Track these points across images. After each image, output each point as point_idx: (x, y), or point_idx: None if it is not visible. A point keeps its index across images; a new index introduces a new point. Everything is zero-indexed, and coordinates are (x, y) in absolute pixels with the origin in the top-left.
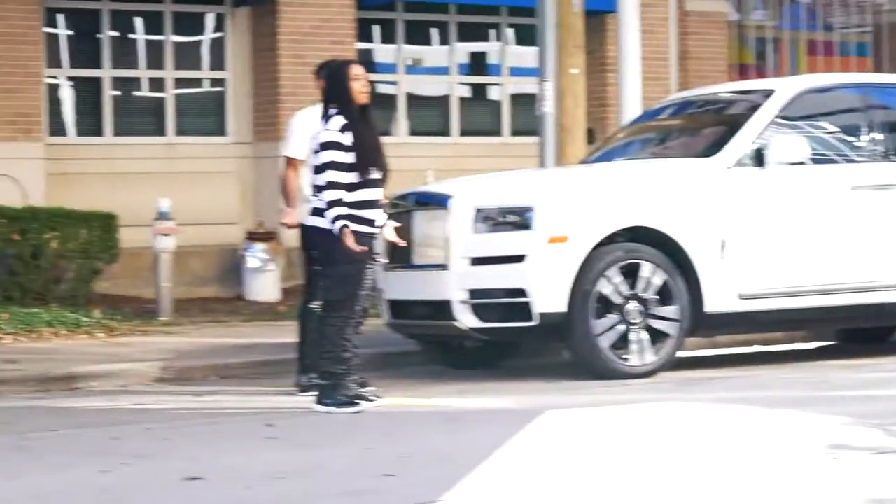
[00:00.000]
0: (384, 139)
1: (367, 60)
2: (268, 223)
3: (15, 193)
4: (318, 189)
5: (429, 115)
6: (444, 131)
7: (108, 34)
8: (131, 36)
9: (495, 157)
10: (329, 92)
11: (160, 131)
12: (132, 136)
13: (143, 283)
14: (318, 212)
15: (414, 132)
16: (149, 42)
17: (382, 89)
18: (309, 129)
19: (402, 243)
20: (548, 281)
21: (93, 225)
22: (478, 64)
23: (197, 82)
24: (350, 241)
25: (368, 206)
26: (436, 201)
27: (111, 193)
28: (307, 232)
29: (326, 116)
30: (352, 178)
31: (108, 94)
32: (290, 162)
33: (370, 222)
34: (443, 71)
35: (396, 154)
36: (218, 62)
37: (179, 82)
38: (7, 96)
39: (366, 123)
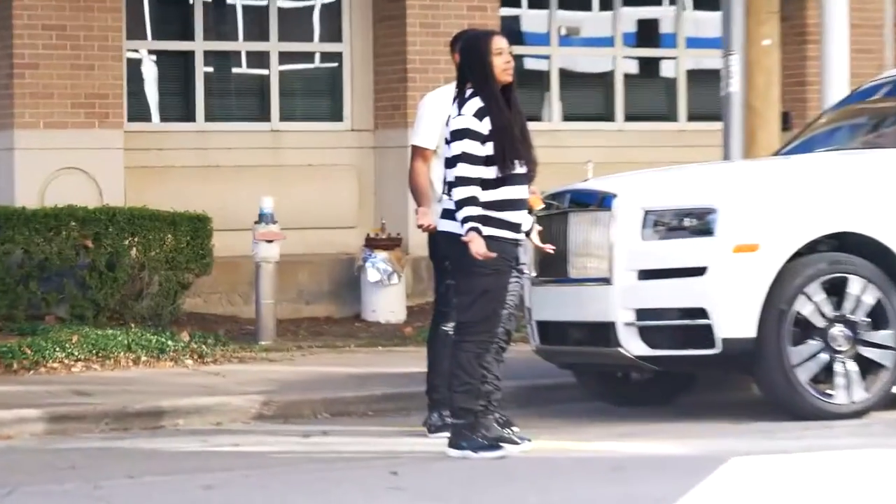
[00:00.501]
0: (531, 126)
1: (512, 29)
2: (391, 227)
3: (88, 191)
4: (450, 186)
5: (587, 96)
6: (607, 116)
7: None
8: (229, 0)
9: (669, 148)
10: (464, 68)
11: (262, 116)
12: (229, 121)
13: (240, 300)
14: (449, 214)
15: (569, 117)
16: (249, 8)
17: (530, 65)
18: (442, 113)
19: (552, 250)
20: (733, 299)
21: (181, 229)
22: (647, 33)
23: (307, 57)
24: (478, 247)
25: (511, 206)
26: (596, 201)
27: (203, 191)
28: (437, 238)
29: (461, 99)
30: (490, 173)
31: (201, 70)
32: (420, 152)
33: (513, 226)
34: (605, 42)
35: (547, 144)
36: (332, 32)
37: (286, 57)
38: (80, 74)
39: (508, 107)
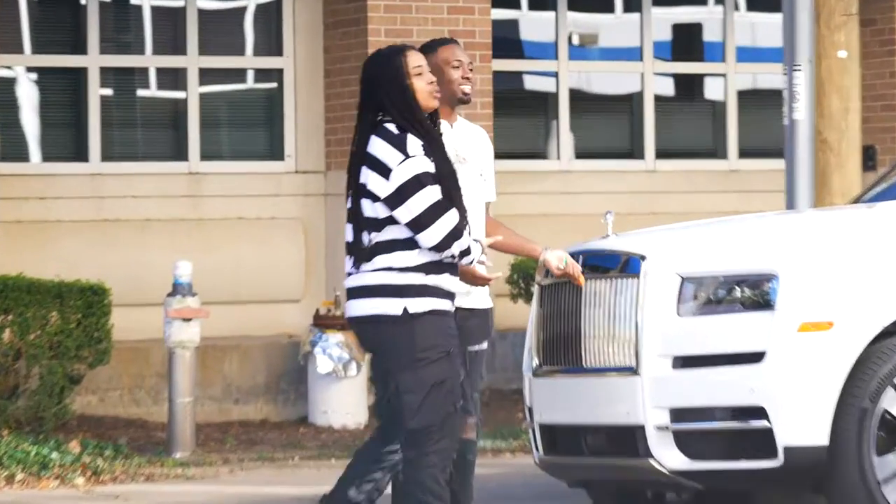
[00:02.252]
0: (533, 165)
1: (507, 37)
2: None
3: None
4: (372, 253)
5: (607, 125)
6: (633, 152)
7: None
8: (133, 1)
9: (714, 194)
10: (369, 95)
11: (178, 154)
12: (133, 161)
13: (148, 398)
14: (366, 292)
15: (583, 154)
16: (160, 11)
17: (532, 84)
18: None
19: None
20: (799, 394)
21: (70, 304)
22: (687, 42)
23: (237, 75)
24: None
25: (450, 269)
26: (618, 265)
27: (99, 253)
28: (355, 328)
29: (387, 134)
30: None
31: (96, 94)
32: None
33: (453, 296)
34: (630, 54)
35: (554, 189)
36: (270, 43)
37: (208, 75)
38: None
39: (442, 144)
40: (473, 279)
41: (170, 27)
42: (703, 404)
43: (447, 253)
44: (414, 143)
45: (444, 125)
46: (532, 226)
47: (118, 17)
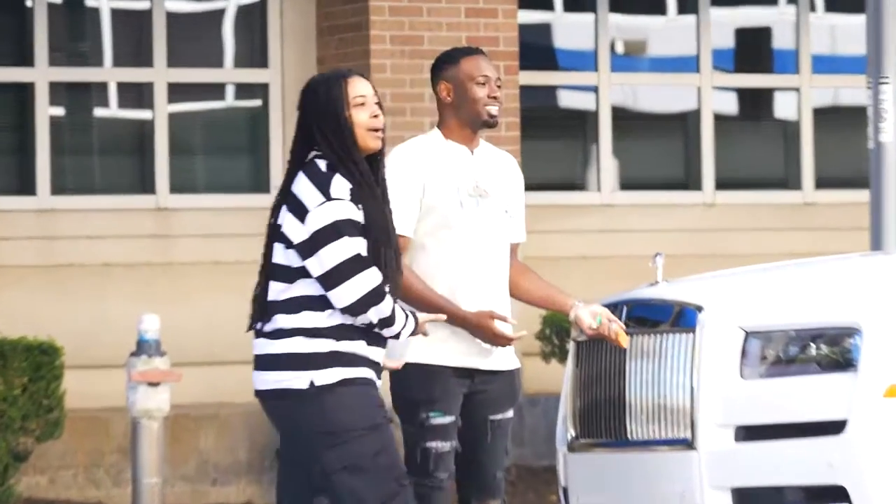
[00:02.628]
0: (568, 197)
1: (537, 44)
2: None
3: None
4: (277, 310)
5: (657, 149)
6: (687, 182)
7: (44, 1)
8: (89, 3)
9: (785, 231)
10: (306, 128)
11: (142, 186)
12: (89, 195)
13: (108, 478)
14: (273, 362)
15: (628, 184)
16: (121, 15)
17: (567, 101)
18: (420, 177)
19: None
20: (887, 471)
21: (13, 366)
22: (751, 50)
23: (213, 91)
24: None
25: (374, 338)
26: (670, 318)
27: (48, 304)
28: (262, 405)
29: (314, 173)
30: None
31: (45, 114)
32: None
33: (377, 365)
34: (685, 64)
35: (594, 226)
36: (253, 52)
37: (179, 92)
38: None
39: (377, 192)
40: (494, 338)
41: (133, 34)
42: (772, 483)
43: (362, 318)
44: (340, 184)
45: (460, 151)
46: (567, 271)
47: (71, 23)
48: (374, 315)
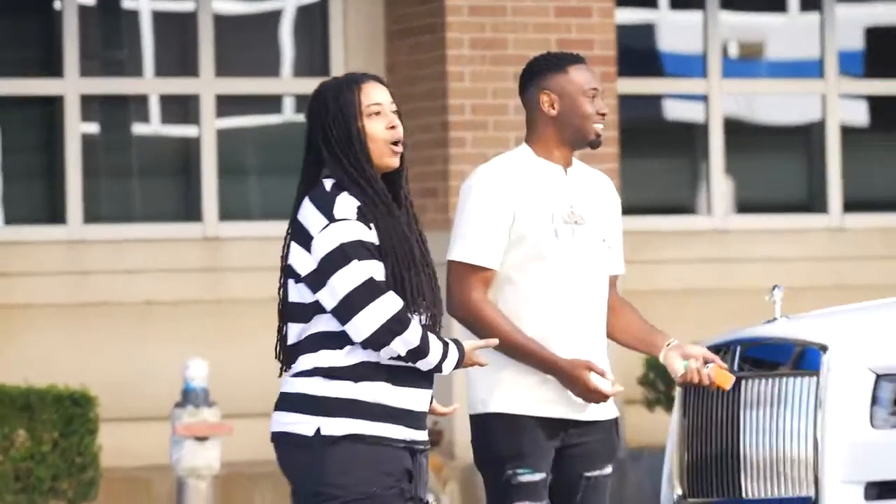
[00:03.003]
0: (672, 222)
1: (636, 47)
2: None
3: None
4: (294, 353)
5: (776, 167)
6: (810, 202)
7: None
8: (126, 5)
9: None
10: (315, 141)
11: (188, 212)
12: (126, 223)
13: None
14: (284, 402)
15: (745, 207)
16: (163, 18)
17: (673, 112)
18: (509, 201)
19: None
20: None
21: (41, 418)
22: (884, 51)
23: (267, 104)
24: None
25: (404, 379)
26: (790, 359)
27: (81, 349)
28: (275, 449)
29: (319, 195)
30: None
31: (76, 131)
32: (469, 275)
33: (406, 416)
34: (808, 69)
35: (704, 255)
36: (313, 60)
37: (229, 104)
38: None
39: (399, 210)
40: (587, 393)
41: (176, 40)
42: None
43: (387, 352)
44: (345, 203)
45: (554, 171)
46: (673, 306)
47: (105, 27)
48: (399, 346)
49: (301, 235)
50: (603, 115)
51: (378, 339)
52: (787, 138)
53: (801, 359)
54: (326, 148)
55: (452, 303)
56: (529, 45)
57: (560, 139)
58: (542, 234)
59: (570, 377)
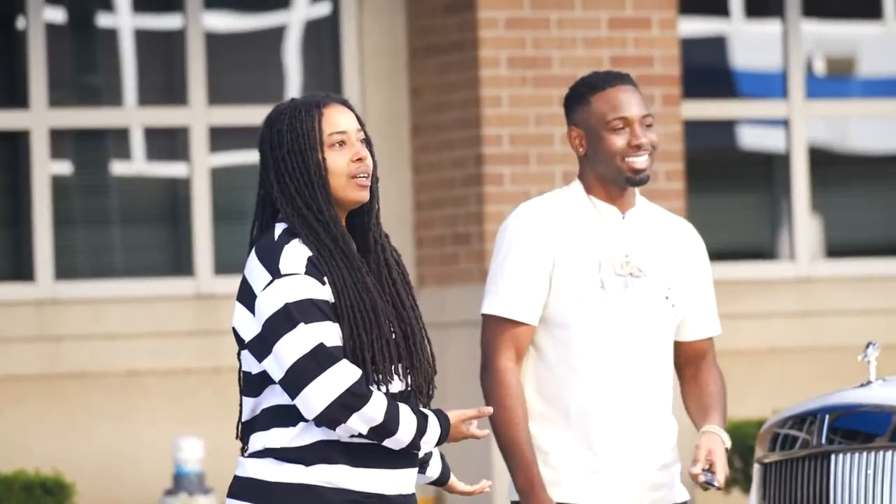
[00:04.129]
0: (754, 269)
1: (705, 64)
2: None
3: None
4: (249, 429)
5: (871, 204)
6: None
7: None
8: (102, 24)
9: None
10: (268, 176)
11: (178, 266)
12: (105, 278)
13: None
14: (235, 488)
15: (835, 249)
16: (144, 37)
17: (748, 140)
18: (551, 247)
19: (488, 486)
20: None
21: None
22: None
23: (256, 136)
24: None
25: (372, 459)
26: (887, 430)
27: (54, 427)
28: None
29: (269, 244)
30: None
31: (43, 170)
32: (502, 331)
33: (373, 501)
34: None
35: (781, 307)
36: (323, 82)
37: (224, 138)
38: None
39: (367, 258)
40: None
41: (162, 63)
42: None
43: (344, 430)
44: (293, 254)
45: (608, 213)
46: (751, 367)
47: (78, 50)
48: (358, 424)
49: (245, 294)
50: (638, 146)
51: (332, 416)
52: (884, 169)
53: None
54: (279, 184)
55: (482, 365)
56: (578, 64)
57: (599, 179)
58: (585, 286)
59: None
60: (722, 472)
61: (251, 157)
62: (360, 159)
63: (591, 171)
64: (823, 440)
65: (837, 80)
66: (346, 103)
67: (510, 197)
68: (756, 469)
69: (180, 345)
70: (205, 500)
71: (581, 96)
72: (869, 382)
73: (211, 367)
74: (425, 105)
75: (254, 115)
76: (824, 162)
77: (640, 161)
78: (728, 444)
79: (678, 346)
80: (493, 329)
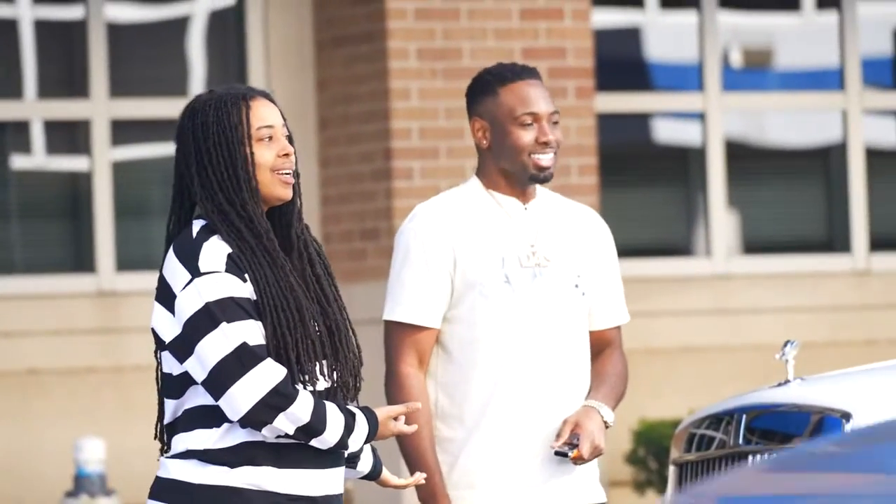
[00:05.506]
0: (669, 265)
1: (618, 56)
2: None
3: None
4: (171, 431)
5: (787, 198)
6: (829, 241)
7: None
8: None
9: None
10: (184, 170)
11: (77, 262)
12: (3, 275)
13: None
14: (157, 490)
15: (751, 245)
16: (45, 29)
17: (662, 132)
18: (451, 246)
19: (422, 479)
20: None
21: None
22: None
23: (173, 130)
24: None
25: (294, 459)
26: (805, 429)
27: None
28: None
29: (186, 241)
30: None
31: None
32: (405, 337)
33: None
34: (823, 80)
35: (697, 305)
36: (227, 75)
37: (125, 131)
38: None
39: (290, 255)
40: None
41: (62, 54)
42: None
43: (270, 431)
44: (213, 251)
45: (509, 206)
46: (666, 366)
47: None
48: (285, 424)
49: (164, 294)
50: (545, 142)
51: (257, 417)
52: (802, 164)
53: (820, 429)
54: (200, 178)
55: (386, 371)
56: (489, 55)
57: (502, 175)
58: (489, 283)
59: None
60: (587, 444)
61: (154, 150)
62: (286, 155)
63: (493, 164)
64: (740, 440)
65: (754, 72)
66: (270, 97)
67: (419, 192)
68: (672, 470)
69: (81, 343)
70: (106, 502)
71: (488, 86)
72: (787, 382)
73: (113, 365)
74: (333, 98)
75: (157, 108)
76: (741, 156)
77: (545, 158)
78: (608, 418)
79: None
80: (395, 335)
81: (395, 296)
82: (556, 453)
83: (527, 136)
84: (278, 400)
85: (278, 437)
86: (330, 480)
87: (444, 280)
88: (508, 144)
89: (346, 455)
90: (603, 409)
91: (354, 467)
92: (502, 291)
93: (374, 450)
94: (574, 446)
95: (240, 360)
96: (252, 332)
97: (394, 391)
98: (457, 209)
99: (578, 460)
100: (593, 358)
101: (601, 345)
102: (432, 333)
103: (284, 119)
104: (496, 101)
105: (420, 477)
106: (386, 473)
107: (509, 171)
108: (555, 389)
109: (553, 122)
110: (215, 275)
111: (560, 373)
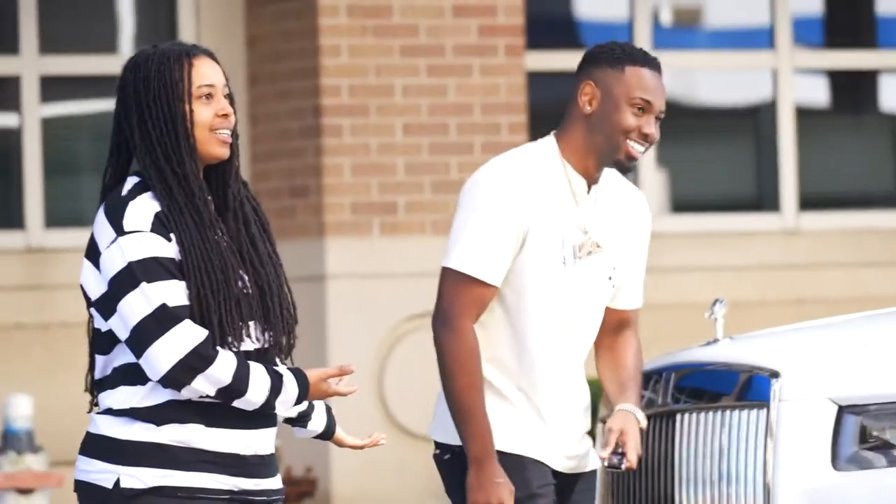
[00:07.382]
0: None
1: (548, 15)
2: (305, 466)
3: None
4: (103, 388)
5: (718, 157)
6: (759, 199)
7: None
8: None
9: (894, 266)
10: (124, 124)
11: (6, 219)
12: None
13: None
14: (86, 445)
15: (681, 204)
16: None
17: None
18: (521, 208)
19: (382, 440)
20: None
21: None
22: (845, 18)
23: (102, 86)
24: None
25: (223, 419)
26: (734, 388)
27: None
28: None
29: (118, 198)
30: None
31: None
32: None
33: (228, 461)
34: (754, 39)
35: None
36: (158, 31)
37: (55, 87)
38: None
39: (224, 213)
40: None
41: None
42: None
43: (190, 392)
44: (139, 210)
45: (575, 184)
46: None
47: None
48: (204, 385)
49: (92, 251)
50: (646, 135)
51: (176, 378)
52: (732, 123)
53: (748, 388)
54: (140, 131)
55: (437, 314)
56: (420, 12)
57: (588, 144)
58: (549, 260)
59: (489, 483)
60: (634, 453)
61: (84, 107)
62: (224, 115)
63: (585, 132)
64: (669, 399)
65: (684, 31)
66: (213, 56)
67: (349, 149)
68: (600, 428)
69: (9, 299)
70: (34, 459)
71: (617, 61)
72: (716, 340)
73: (41, 322)
74: (262, 54)
75: (87, 64)
76: (671, 114)
77: (638, 150)
78: (643, 423)
79: (605, 312)
80: (458, 286)
81: (463, 246)
82: (609, 467)
83: (633, 121)
84: (197, 361)
85: (201, 397)
86: (259, 440)
87: (516, 243)
88: (613, 121)
89: (278, 416)
90: (639, 414)
91: (305, 426)
92: (558, 272)
93: (328, 409)
94: (621, 454)
95: (158, 321)
96: (173, 292)
97: (454, 346)
98: (533, 176)
99: (629, 469)
100: (610, 341)
101: (619, 324)
102: (492, 292)
103: (227, 79)
104: (619, 76)
105: (379, 437)
106: (340, 433)
107: (600, 145)
108: (573, 364)
109: (658, 118)
110: (139, 234)
111: (578, 351)
